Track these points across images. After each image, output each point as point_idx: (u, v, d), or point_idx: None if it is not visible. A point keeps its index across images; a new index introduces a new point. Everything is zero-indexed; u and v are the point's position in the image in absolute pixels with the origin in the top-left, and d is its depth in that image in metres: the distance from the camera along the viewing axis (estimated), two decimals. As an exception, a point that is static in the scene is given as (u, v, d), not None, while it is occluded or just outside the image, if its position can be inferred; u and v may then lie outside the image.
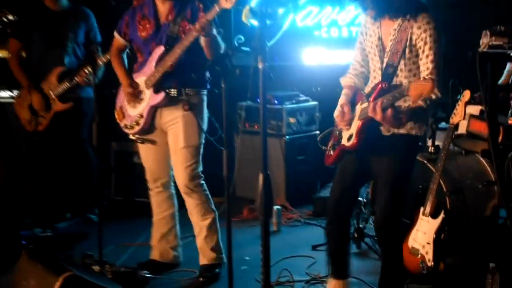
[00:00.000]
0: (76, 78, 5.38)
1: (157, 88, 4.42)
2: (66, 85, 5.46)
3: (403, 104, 3.55)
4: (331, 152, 3.90)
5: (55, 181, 5.85)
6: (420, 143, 3.94)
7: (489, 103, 3.17)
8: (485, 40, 2.91)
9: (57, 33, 5.57)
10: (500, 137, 4.55)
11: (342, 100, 3.84)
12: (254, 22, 3.16)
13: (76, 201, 5.90)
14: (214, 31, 4.22)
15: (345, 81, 3.92)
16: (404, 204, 3.75)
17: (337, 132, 3.86)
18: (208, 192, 4.59)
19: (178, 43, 4.27)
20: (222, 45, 4.35)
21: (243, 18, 3.17)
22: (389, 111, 3.40)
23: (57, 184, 5.85)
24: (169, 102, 4.44)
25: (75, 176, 5.83)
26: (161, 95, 4.41)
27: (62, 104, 5.53)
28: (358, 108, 3.71)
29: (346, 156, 3.81)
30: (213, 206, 4.61)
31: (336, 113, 3.83)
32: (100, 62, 5.17)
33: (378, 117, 3.44)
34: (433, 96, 3.30)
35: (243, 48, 5.09)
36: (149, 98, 4.45)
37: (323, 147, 3.99)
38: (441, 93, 3.44)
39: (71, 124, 5.64)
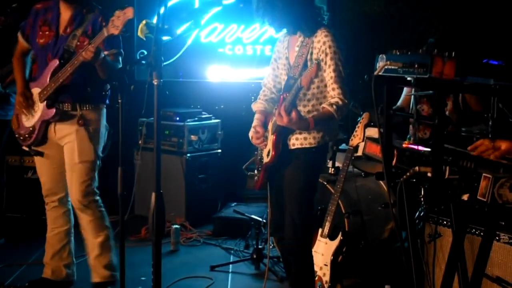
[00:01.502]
0: None
1: (49, 102, 4.27)
2: None
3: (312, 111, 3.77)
4: (257, 177, 4.06)
5: None
6: (324, 153, 4.04)
7: (383, 126, 3.26)
8: (381, 64, 2.97)
9: None
10: (394, 160, 4.60)
11: (255, 122, 4.05)
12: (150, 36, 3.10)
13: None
14: (102, 55, 4.10)
15: (256, 106, 4.12)
16: (312, 215, 3.92)
17: (259, 157, 4.04)
18: (103, 209, 4.45)
19: (70, 61, 4.14)
20: (118, 65, 4.25)
21: (139, 33, 3.10)
22: (294, 113, 3.58)
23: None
24: (63, 117, 4.29)
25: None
26: (53, 110, 4.26)
27: None
28: (270, 125, 3.93)
29: (271, 177, 3.98)
30: (107, 223, 4.46)
31: (251, 134, 4.03)
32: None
33: (285, 120, 3.60)
34: (340, 102, 3.63)
35: (142, 62, 4.98)
36: (42, 111, 4.30)
37: (249, 173, 4.21)
38: (349, 101, 3.72)
39: None
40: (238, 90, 6.63)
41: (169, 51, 6.39)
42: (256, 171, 4.09)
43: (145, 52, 6.52)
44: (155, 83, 2.83)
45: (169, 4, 6.42)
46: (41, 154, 4.42)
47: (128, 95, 3.47)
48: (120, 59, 4.28)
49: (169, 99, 6.55)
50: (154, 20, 4.29)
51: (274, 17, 3.79)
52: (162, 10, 2.88)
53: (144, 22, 2.97)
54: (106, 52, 4.12)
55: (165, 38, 2.93)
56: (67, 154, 4.35)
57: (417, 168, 2.84)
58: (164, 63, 5.14)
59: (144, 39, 3.14)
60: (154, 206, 2.80)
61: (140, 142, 6.29)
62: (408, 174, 2.89)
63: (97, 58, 4.03)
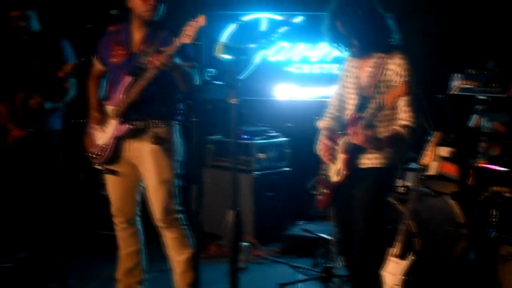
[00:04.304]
0: (33, 103, 5.34)
1: (122, 119, 4.36)
2: (23, 110, 5.41)
3: (385, 132, 3.78)
4: (323, 195, 4.09)
5: (16, 210, 5.71)
6: (394, 173, 4.06)
7: (460, 145, 3.27)
8: (457, 83, 2.98)
9: (23, 59, 5.52)
10: (470, 180, 4.56)
11: (322, 137, 4.08)
12: (227, 57, 3.15)
13: (41, 231, 5.77)
14: (177, 63, 4.17)
15: (322, 123, 4.16)
16: (381, 234, 3.93)
17: (323, 176, 4.06)
18: (186, 227, 4.45)
19: (143, 75, 4.23)
20: (196, 77, 4.31)
21: (216, 53, 3.14)
22: (369, 133, 3.65)
23: (19, 213, 5.72)
24: (136, 134, 4.36)
25: (41, 207, 5.71)
26: (125, 127, 4.34)
27: (19, 131, 5.45)
28: (339, 144, 3.94)
29: (338, 196, 4.00)
30: (191, 242, 4.46)
31: (319, 148, 4.06)
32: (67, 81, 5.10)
33: (360, 139, 3.66)
34: (411, 125, 3.70)
35: (215, 82, 5.05)
36: (115, 128, 4.38)
37: (313, 192, 4.21)
38: (418, 122, 3.79)
39: (38, 157, 5.56)
40: (305, 109, 6.62)
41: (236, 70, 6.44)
42: (320, 190, 4.11)
43: (213, 71, 6.59)
44: (233, 102, 2.86)
45: (238, 23, 6.60)
46: (114, 172, 4.48)
47: (203, 113, 3.52)
48: (196, 71, 4.34)
49: (237, 117, 6.59)
50: (222, 39, 4.37)
51: (351, 40, 3.81)
52: (234, 30, 2.93)
53: (221, 42, 3.02)
54: (182, 62, 4.19)
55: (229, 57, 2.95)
56: (144, 174, 4.40)
57: (494, 187, 2.80)
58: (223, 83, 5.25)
59: (221, 59, 3.18)
60: (232, 224, 2.82)
61: (208, 160, 6.35)
62: (485, 194, 2.86)
63: (169, 66, 4.10)
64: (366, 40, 3.81)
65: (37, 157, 5.56)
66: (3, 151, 5.53)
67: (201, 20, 3.91)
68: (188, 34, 3.95)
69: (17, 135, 5.45)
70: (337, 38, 3.89)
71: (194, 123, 3.55)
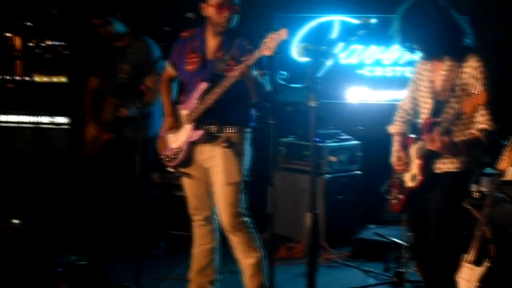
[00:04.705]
0: (121, 110, 5.43)
1: (197, 124, 4.40)
2: (110, 116, 5.53)
3: (461, 137, 3.72)
4: (397, 200, 4.08)
5: (99, 212, 5.88)
6: (470, 178, 4.01)
7: None
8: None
9: (113, 64, 5.66)
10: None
11: (395, 146, 4.08)
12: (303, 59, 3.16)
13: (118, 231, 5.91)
14: (254, 74, 4.19)
15: (394, 128, 4.16)
16: (455, 240, 3.91)
17: (397, 180, 4.05)
18: (253, 230, 4.48)
19: (219, 83, 4.26)
20: (267, 86, 4.33)
21: (294, 54, 3.16)
22: (447, 138, 3.61)
23: (99, 211, 5.88)
24: (209, 138, 4.41)
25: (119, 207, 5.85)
26: (200, 132, 4.39)
27: (106, 135, 5.61)
28: (413, 149, 3.93)
29: (412, 200, 3.99)
30: (258, 245, 4.48)
31: (393, 159, 4.06)
32: (150, 92, 5.18)
33: (437, 145, 3.62)
34: (489, 128, 3.64)
35: (293, 85, 5.05)
36: (189, 133, 4.44)
37: (387, 196, 4.22)
38: (496, 126, 3.71)
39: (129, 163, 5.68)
40: (377, 112, 6.58)
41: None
42: (394, 195, 4.08)
43: (284, 74, 6.61)
44: (312, 105, 2.87)
45: (311, 26, 6.62)
46: (187, 175, 4.55)
47: (280, 116, 3.54)
48: (268, 79, 4.37)
49: (308, 120, 6.59)
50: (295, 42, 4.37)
51: (423, 43, 3.78)
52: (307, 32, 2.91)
53: (302, 45, 3.03)
54: (257, 72, 4.22)
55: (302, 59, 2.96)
56: (213, 177, 4.45)
57: None
58: (302, 85, 5.24)
59: (300, 60, 3.19)
60: (310, 226, 2.83)
61: (279, 162, 6.36)
62: None
63: (248, 76, 4.12)
64: (438, 43, 3.75)
65: (122, 160, 5.67)
66: (92, 152, 5.75)
67: (283, 34, 3.90)
68: (269, 46, 3.96)
69: (105, 138, 5.61)
70: (408, 41, 3.85)
71: (271, 125, 3.56)
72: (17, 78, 6.31)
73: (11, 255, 4.83)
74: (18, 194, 6.14)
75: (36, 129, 6.21)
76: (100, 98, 5.79)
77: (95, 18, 5.57)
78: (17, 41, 6.27)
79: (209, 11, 4.33)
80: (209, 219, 4.64)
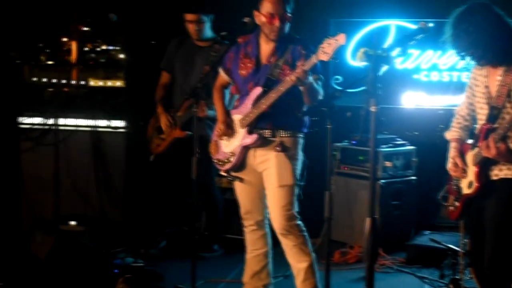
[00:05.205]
0: (193, 109, 5.48)
1: (250, 128, 4.43)
2: (187, 114, 5.58)
3: None
4: (454, 207, 4.04)
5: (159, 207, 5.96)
6: None
7: None
8: None
9: (193, 64, 5.73)
10: None
11: (452, 153, 4.03)
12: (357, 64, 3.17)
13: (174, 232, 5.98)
14: (310, 79, 4.19)
15: (451, 134, 4.12)
16: None
17: (455, 187, 4.02)
18: (306, 233, 4.48)
19: (274, 88, 4.27)
20: (321, 91, 4.34)
21: (357, 60, 3.16)
22: (503, 146, 3.59)
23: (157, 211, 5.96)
24: (263, 143, 4.43)
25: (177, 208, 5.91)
26: (254, 136, 4.41)
27: (180, 132, 5.66)
28: (469, 155, 3.89)
29: (468, 207, 3.95)
30: (310, 248, 4.49)
31: (449, 165, 4.03)
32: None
33: (492, 152, 3.60)
34: None
35: (351, 89, 5.04)
36: (242, 137, 4.47)
37: (445, 203, 4.17)
38: None
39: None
40: (433, 117, 6.53)
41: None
42: (451, 201, 4.05)
43: (340, 78, 6.62)
44: (373, 110, 2.88)
45: (366, 30, 6.60)
46: (239, 179, 4.58)
47: (339, 120, 3.55)
48: (321, 84, 4.37)
49: (366, 125, 6.56)
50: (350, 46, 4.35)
51: (471, 50, 3.75)
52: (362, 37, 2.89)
53: (362, 49, 3.03)
54: (312, 77, 4.22)
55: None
56: (266, 180, 4.47)
57: None
58: (357, 90, 5.23)
59: (361, 66, 3.19)
60: (369, 231, 2.82)
61: (333, 166, 6.35)
62: None
63: (304, 82, 4.12)
64: (486, 51, 3.71)
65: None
66: (159, 149, 5.82)
67: (341, 39, 3.91)
68: (326, 51, 3.96)
69: (177, 135, 5.69)
70: (458, 48, 3.82)
71: (329, 130, 3.57)
72: (73, 82, 6.41)
73: (70, 257, 4.92)
74: (78, 196, 6.25)
75: (94, 132, 6.32)
76: (169, 93, 5.87)
77: (192, 13, 5.63)
78: (73, 46, 6.38)
79: (261, 19, 4.36)
80: (261, 224, 4.66)
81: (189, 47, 5.81)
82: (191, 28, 5.68)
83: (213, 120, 5.42)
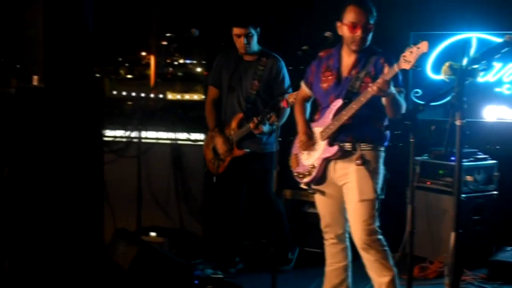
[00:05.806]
0: (248, 125, 5.49)
1: (331, 140, 4.43)
2: (242, 131, 5.59)
3: None
4: None
5: (230, 225, 5.97)
6: None
7: None
8: None
9: (241, 79, 5.72)
10: None
11: None
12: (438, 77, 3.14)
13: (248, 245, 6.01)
14: (393, 90, 4.17)
15: None
16: None
17: None
18: (387, 248, 4.44)
19: (355, 99, 4.27)
20: (404, 104, 4.30)
21: (442, 74, 3.14)
22: None
23: (233, 229, 5.98)
24: (343, 155, 4.43)
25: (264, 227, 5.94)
26: (335, 148, 4.41)
27: (238, 151, 5.66)
28: None
29: None
30: (392, 263, 4.46)
31: None
32: (282, 110, 5.23)
33: None
34: None
35: (435, 103, 5.01)
36: (323, 149, 4.47)
37: None
38: None
39: (255, 178, 5.77)
40: (514, 131, 6.41)
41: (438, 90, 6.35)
42: None
43: (420, 92, 6.55)
44: (458, 124, 2.85)
45: (447, 43, 6.52)
46: (320, 192, 4.58)
47: (422, 134, 3.53)
48: (403, 97, 4.34)
49: (441, 138, 6.49)
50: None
51: None
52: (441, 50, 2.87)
53: (447, 63, 3.02)
54: (394, 89, 4.20)
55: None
56: (347, 194, 4.46)
57: None
58: (437, 103, 5.18)
59: (447, 80, 3.17)
60: (453, 246, 2.80)
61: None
62: None
63: (386, 92, 4.11)
64: None
65: (251, 177, 5.78)
66: (218, 170, 5.81)
67: (423, 46, 3.87)
68: (408, 60, 3.94)
69: (236, 154, 5.67)
70: None
71: (412, 143, 3.55)
72: (152, 95, 6.53)
73: (152, 266, 5.00)
74: (158, 208, 6.36)
75: (174, 145, 6.43)
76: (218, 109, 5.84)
77: (241, 27, 5.57)
78: (152, 60, 6.50)
79: (343, 29, 4.38)
80: (341, 237, 4.66)
81: (236, 62, 5.76)
82: (240, 42, 5.62)
83: (270, 134, 5.47)
